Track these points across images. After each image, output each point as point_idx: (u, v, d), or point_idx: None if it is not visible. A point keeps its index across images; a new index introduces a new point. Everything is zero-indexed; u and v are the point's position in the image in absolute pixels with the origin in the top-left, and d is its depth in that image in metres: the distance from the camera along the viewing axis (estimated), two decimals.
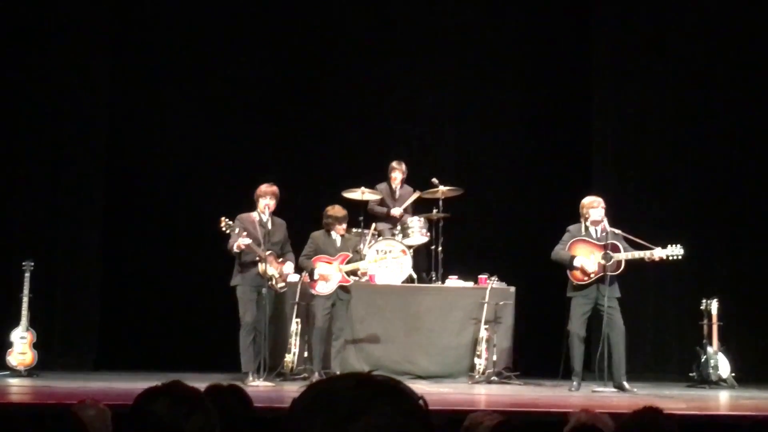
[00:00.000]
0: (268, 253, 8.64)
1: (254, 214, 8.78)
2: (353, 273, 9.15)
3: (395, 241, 10.06)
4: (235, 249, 8.59)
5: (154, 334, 10.73)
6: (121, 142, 10.99)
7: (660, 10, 11.06)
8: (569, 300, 8.88)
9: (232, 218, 8.73)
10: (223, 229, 8.59)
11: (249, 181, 8.83)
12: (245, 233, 8.58)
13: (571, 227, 8.95)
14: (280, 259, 8.79)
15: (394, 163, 10.51)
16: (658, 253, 8.66)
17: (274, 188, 8.75)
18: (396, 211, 10.41)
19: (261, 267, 8.65)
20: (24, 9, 10.54)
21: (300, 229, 9.12)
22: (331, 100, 11.57)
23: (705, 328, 9.83)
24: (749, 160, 10.90)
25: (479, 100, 11.67)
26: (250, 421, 3.32)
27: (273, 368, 8.93)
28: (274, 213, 8.84)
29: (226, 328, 9.19)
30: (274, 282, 8.68)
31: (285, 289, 8.96)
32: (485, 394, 8.69)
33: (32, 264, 9.38)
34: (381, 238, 10.18)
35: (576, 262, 8.74)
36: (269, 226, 8.71)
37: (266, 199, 8.71)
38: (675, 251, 8.69)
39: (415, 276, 10.16)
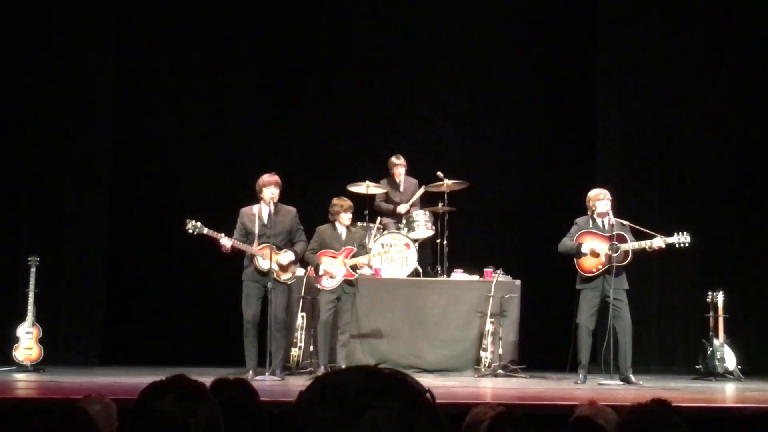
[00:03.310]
0: (261, 246, 8.59)
1: (254, 207, 8.72)
2: (356, 267, 9.15)
3: (401, 234, 10.06)
4: (223, 251, 8.55)
5: (159, 329, 10.74)
6: (126, 137, 10.98)
7: (665, 5, 11.02)
8: (578, 292, 8.87)
9: (234, 217, 8.72)
10: (190, 231, 8.53)
11: (254, 175, 8.81)
12: (223, 234, 8.51)
13: (578, 220, 8.95)
14: (284, 251, 8.73)
15: (394, 158, 10.51)
16: (665, 240, 8.66)
17: (276, 177, 8.67)
18: (402, 208, 10.41)
19: (255, 262, 8.63)
20: (30, 7, 10.54)
21: (305, 223, 9.09)
22: (335, 95, 11.56)
23: (711, 320, 9.82)
24: (755, 152, 10.88)
25: (484, 93, 11.66)
26: (257, 414, 3.32)
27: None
28: (281, 201, 8.78)
29: (231, 323, 9.18)
30: (275, 276, 8.63)
31: (292, 280, 8.91)
32: (491, 388, 8.68)
33: (38, 259, 9.39)
34: (386, 231, 10.18)
35: (584, 249, 8.73)
36: (273, 217, 8.60)
37: (270, 189, 8.62)
38: (682, 239, 8.70)
39: (420, 270, 10.16)
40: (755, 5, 10.85)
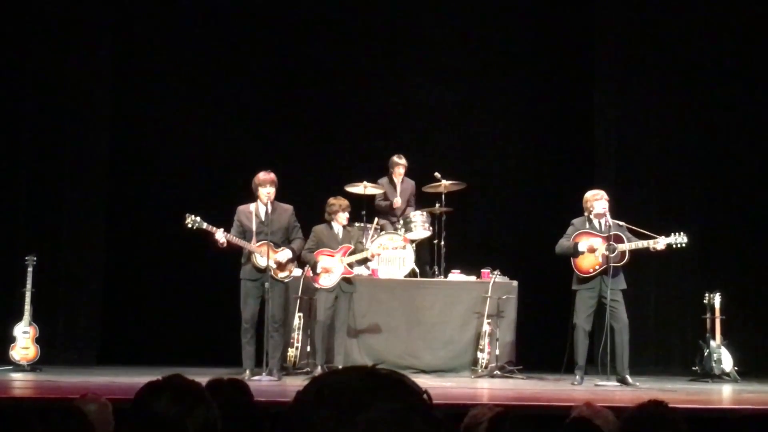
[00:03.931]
0: (259, 243, 8.58)
1: (251, 206, 8.72)
2: (364, 261, 9.15)
3: (398, 235, 10.07)
4: (219, 245, 8.51)
5: (156, 328, 10.73)
6: (125, 136, 10.99)
7: (662, 6, 11.03)
8: (574, 293, 8.87)
9: (232, 215, 8.72)
10: (189, 225, 8.51)
11: (251, 174, 8.81)
12: (221, 229, 8.51)
13: (574, 221, 8.96)
14: (280, 248, 8.71)
15: (396, 158, 10.50)
16: (662, 241, 8.67)
17: (272, 175, 8.67)
18: (398, 201, 10.42)
19: (252, 259, 8.62)
20: (27, 7, 10.53)
21: (302, 223, 9.08)
22: (334, 95, 11.56)
23: (708, 321, 9.82)
24: (753, 153, 10.88)
25: (482, 94, 11.66)
26: (252, 414, 3.31)
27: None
28: (278, 200, 8.77)
29: (228, 322, 9.18)
30: (273, 273, 8.61)
31: (288, 279, 8.89)
32: (488, 388, 8.69)
33: (35, 258, 9.38)
34: (383, 232, 10.18)
35: (581, 247, 8.72)
36: (269, 214, 8.59)
37: (267, 188, 8.61)
38: (679, 239, 8.71)
39: (417, 270, 10.16)
40: (754, 5, 10.84)
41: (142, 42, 11.15)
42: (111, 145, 10.84)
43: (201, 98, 11.16)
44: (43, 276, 9.62)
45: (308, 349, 9.32)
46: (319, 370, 8.80)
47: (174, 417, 2.28)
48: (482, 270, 10.01)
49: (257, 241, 8.59)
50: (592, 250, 8.72)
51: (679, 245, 8.75)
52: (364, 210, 10.13)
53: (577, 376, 8.72)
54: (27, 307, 9.27)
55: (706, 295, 9.88)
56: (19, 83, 10.58)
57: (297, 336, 9.27)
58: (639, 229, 8.83)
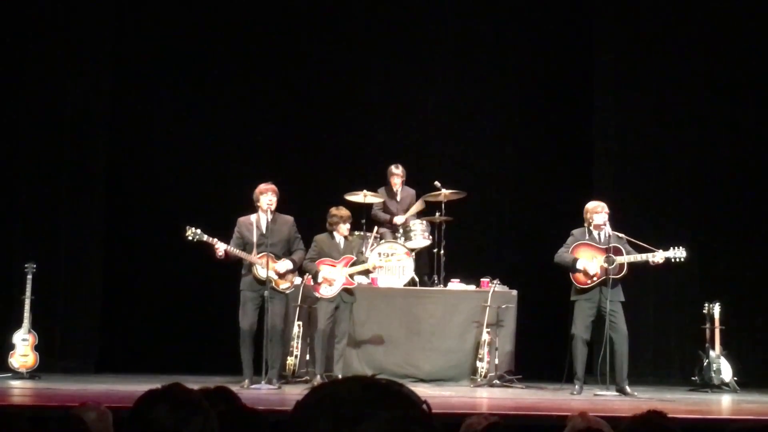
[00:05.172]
0: (260, 255, 8.58)
1: (252, 217, 8.72)
2: (365, 273, 9.13)
3: (398, 244, 10.07)
4: (217, 255, 8.51)
5: (155, 336, 10.72)
6: (123, 144, 10.99)
7: (661, 12, 11.06)
8: (572, 303, 8.87)
9: (230, 225, 8.71)
10: (189, 238, 8.51)
11: (251, 183, 8.81)
12: (215, 239, 8.52)
13: (575, 231, 8.96)
14: (282, 260, 8.70)
15: (393, 168, 10.51)
16: (660, 255, 8.68)
17: (273, 185, 8.68)
18: (399, 220, 10.40)
19: (253, 270, 8.62)
20: (24, 14, 10.55)
21: (302, 232, 9.08)
22: (333, 103, 11.57)
23: (707, 331, 9.82)
24: (752, 163, 10.89)
25: (482, 103, 11.67)
26: (244, 420, 3.30)
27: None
28: (278, 209, 8.77)
29: (227, 331, 9.17)
30: (274, 284, 8.62)
31: (290, 290, 8.90)
32: (487, 398, 8.68)
33: (34, 266, 9.38)
34: (383, 240, 10.18)
35: (579, 265, 8.74)
36: (270, 225, 8.58)
37: (268, 196, 8.60)
38: (677, 253, 8.72)
39: (417, 279, 10.16)
40: (753, 17, 10.86)
41: (140, 51, 11.16)
42: (110, 154, 10.85)
43: (200, 108, 11.16)
44: (42, 284, 9.62)
45: (307, 357, 9.32)
46: (318, 379, 8.78)
47: (173, 426, 2.28)
48: (482, 279, 10.00)
49: (258, 253, 8.58)
50: (586, 274, 8.74)
51: (677, 259, 8.76)
52: (364, 219, 10.13)
53: (576, 386, 8.72)
54: (26, 314, 9.27)
55: (706, 305, 9.88)
56: (17, 90, 10.58)
57: (296, 344, 9.27)
58: (639, 242, 8.84)
